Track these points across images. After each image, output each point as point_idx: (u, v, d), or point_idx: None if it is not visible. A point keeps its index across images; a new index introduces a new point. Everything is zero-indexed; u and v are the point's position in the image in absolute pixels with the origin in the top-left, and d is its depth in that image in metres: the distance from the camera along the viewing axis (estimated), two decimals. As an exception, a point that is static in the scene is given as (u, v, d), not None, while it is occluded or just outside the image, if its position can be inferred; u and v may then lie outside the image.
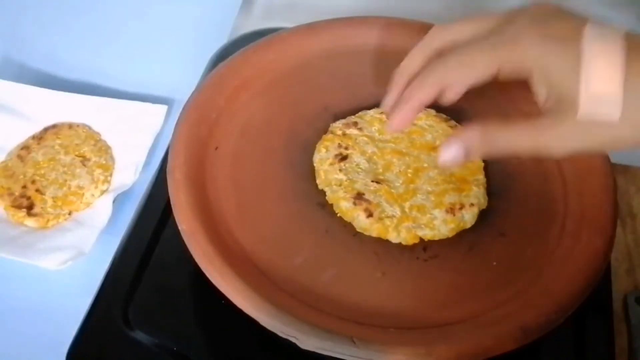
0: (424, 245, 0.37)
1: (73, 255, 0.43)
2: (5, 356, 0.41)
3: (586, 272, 0.35)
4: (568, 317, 0.34)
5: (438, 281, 0.36)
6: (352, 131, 0.41)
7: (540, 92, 0.31)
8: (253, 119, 0.43)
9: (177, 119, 0.40)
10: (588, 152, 0.32)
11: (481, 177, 0.40)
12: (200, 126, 0.40)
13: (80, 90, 0.52)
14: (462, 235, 0.38)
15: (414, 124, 0.42)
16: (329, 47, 0.47)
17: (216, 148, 0.40)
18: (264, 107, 0.43)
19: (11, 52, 0.58)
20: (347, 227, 0.38)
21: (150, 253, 0.41)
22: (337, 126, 0.42)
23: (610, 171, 0.40)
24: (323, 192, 0.39)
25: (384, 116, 0.42)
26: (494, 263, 0.37)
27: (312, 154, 0.41)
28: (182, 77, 0.52)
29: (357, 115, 0.43)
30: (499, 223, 0.39)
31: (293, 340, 0.32)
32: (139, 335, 0.37)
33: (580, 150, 0.30)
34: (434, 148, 0.41)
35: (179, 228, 0.35)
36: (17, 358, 0.41)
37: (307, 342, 0.32)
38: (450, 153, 0.32)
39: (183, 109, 0.41)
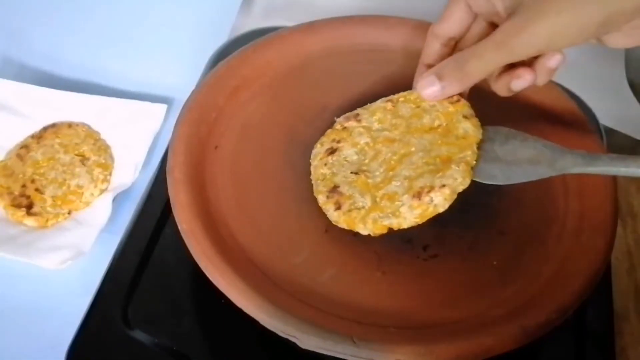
0: (424, 244, 0.37)
1: (72, 255, 0.43)
2: (5, 356, 0.41)
3: (586, 272, 0.35)
4: (568, 317, 0.34)
5: (438, 280, 0.36)
6: (351, 124, 0.40)
7: (499, 5, 0.34)
8: (253, 118, 0.43)
9: (176, 118, 0.40)
10: (550, 49, 0.33)
11: (469, 153, 0.36)
12: (200, 125, 0.40)
13: (79, 90, 0.52)
14: (462, 235, 0.38)
15: (418, 107, 0.39)
16: (329, 46, 0.46)
17: (216, 147, 0.40)
18: (264, 106, 0.43)
19: (11, 51, 0.58)
20: (347, 226, 0.38)
21: (149, 252, 0.41)
22: (340, 121, 0.41)
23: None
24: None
25: (389, 104, 0.40)
26: (494, 262, 0.37)
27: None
28: (182, 76, 0.52)
29: (364, 107, 0.41)
30: (499, 222, 0.39)
31: (293, 339, 0.32)
32: (139, 335, 0.37)
33: (545, 48, 0.33)
34: (428, 130, 0.38)
35: (179, 227, 0.35)
36: (16, 357, 0.41)
37: (307, 341, 0.32)
38: (426, 87, 0.37)
39: (183, 108, 0.41)
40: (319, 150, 0.39)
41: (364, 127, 0.39)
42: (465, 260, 0.37)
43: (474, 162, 0.36)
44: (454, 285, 0.36)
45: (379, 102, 0.41)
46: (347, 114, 0.41)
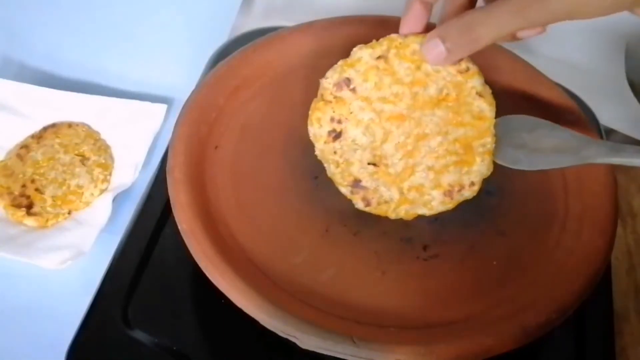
0: (424, 244, 0.37)
1: (72, 255, 0.43)
2: (5, 355, 0.41)
3: (586, 272, 0.35)
4: (568, 317, 0.34)
5: (438, 281, 0.36)
6: (345, 94, 0.37)
7: None
8: (253, 118, 0.43)
9: (176, 118, 0.40)
10: (576, 18, 0.30)
11: (489, 139, 0.36)
12: (200, 125, 0.40)
13: (79, 89, 0.52)
14: (462, 235, 0.38)
15: (418, 68, 0.36)
16: (329, 46, 0.46)
17: (216, 147, 0.40)
18: (264, 106, 0.43)
19: (11, 51, 0.58)
20: (347, 226, 0.38)
21: (149, 252, 0.41)
22: (328, 88, 0.37)
23: (610, 169, 0.40)
24: (324, 192, 0.39)
25: (381, 62, 0.36)
26: (494, 263, 0.37)
27: (313, 153, 0.41)
28: (182, 76, 0.52)
29: (347, 61, 0.37)
30: (499, 222, 0.39)
31: (293, 339, 0.32)
32: (139, 335, 0.37)
33: (571, 17, 0.29)
34: (438, 103, 0.36)
35: (179, 227, 0.35)
36: (16, 357, 0.41)
37: (307, 341, 0.32)
38: (430, 50, 0.34)
39: (183, 108, 0.41)
40: (318, 130, 0.37)
41: (362, 98, 0.37)
42: (465, 260, 0.37)
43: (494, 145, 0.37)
44: (454, 285, 0.36)
45: (367, 58, 0.36)
46: (335, 77, 0.37)
